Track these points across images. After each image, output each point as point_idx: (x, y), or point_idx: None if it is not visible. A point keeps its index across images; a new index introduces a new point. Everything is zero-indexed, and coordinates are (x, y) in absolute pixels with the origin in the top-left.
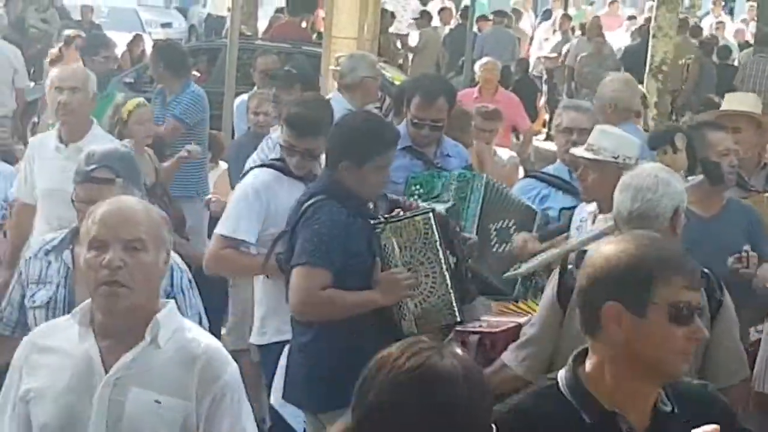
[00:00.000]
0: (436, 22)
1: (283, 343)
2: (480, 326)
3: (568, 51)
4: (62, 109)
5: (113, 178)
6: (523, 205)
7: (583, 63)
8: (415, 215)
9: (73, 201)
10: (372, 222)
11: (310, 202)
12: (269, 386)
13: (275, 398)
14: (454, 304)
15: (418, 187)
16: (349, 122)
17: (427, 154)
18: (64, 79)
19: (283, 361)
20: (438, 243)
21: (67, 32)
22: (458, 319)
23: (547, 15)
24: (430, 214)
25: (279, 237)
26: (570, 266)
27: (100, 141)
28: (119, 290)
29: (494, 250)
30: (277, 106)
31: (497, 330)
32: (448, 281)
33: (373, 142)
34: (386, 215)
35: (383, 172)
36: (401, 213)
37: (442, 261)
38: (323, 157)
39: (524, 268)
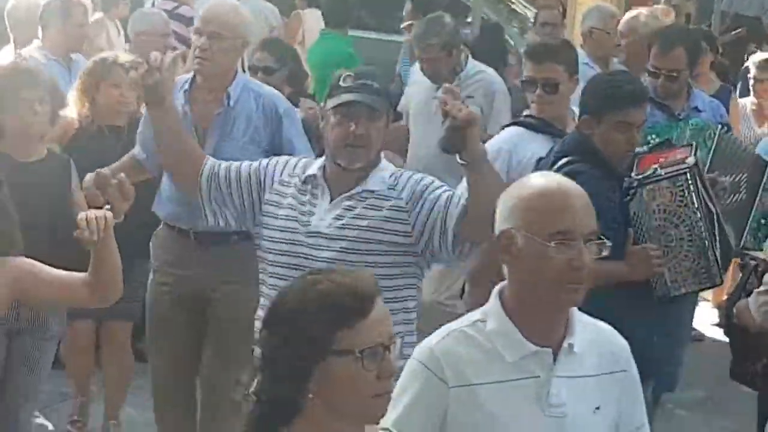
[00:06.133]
0: None
1: None
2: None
3: None
4: None
5: None
6: (754, 156)
7: None
8: (672, 175)
9: None
10: (625, 185)
11: (561, 163)
12: None
13: None
14: (712, 267)
15: (654, 136)
16: (595, 77)
17: (672, 107)
18: None
19: None
20: (696, 206)
21: None
22: (717, 283)
23: None
24: (687, 174)
25: None
26: None
27: None
28: None
29: (725, 201)
30: None
31: None
32: (706, 244)
33: (610, 96)
34: (640, 176)
35: (625, 130)
36: (657, 171)
37: (701, 224)
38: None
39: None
